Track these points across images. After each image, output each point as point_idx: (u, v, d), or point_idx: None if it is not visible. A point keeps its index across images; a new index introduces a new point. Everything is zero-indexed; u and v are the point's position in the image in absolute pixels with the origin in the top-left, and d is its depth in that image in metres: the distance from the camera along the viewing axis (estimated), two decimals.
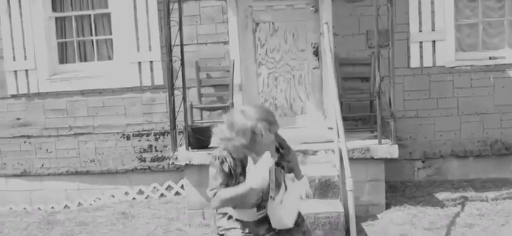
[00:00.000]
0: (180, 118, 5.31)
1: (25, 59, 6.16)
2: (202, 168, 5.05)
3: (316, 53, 6.04)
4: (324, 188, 4.69)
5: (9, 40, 6.14)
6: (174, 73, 5.22)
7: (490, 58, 5.93)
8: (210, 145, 5.28)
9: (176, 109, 5.25)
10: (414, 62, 5.90)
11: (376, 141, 5.04)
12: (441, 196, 5.38)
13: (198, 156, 5.07)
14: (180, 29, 5.25)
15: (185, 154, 5.12)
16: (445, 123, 5.95)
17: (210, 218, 5.16)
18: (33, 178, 6.39)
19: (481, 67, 5.88)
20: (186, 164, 5.12)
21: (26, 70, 6.18)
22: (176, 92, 5.24)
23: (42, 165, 6.34)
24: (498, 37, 6.03)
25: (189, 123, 5.32)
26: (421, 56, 5.88)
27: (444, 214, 4.88)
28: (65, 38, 6.37)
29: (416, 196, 5.45)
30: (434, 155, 6.00)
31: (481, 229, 4.50)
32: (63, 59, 6.39)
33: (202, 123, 5.86)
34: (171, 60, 5.07)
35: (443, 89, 5.92)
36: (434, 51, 5.87)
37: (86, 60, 6.39)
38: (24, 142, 6.33)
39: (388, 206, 5.11)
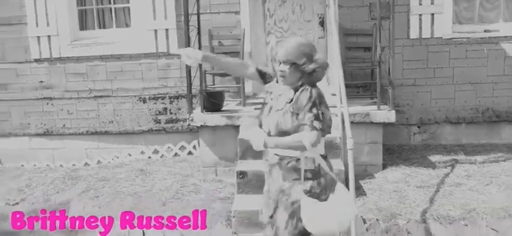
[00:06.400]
0: (194, 83, 5.70)
1: (47, 25, 6.49)
2: (216, 129, 5.50)
3: (322, 24, 6.39)
4: (327, 149, 5.10)
5: (33, 7, 6.45)
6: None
7: (485, 31, 6.25)
8: (222, 108, 5.71)
9: (192, 75, 5.64)
10: (414, 33, 6.23)
11: (376, 106, 5.46)
12: (434, 158, 5.83)
13: (212, 118, 5.49)
14: None
15: (200, 116, 5.55)
16: (441, 91, 6.34)
17: (222, 174, 5.63)
18: (55, 137, 6.83)
19: (476, 40, 6.22)
20: (201, 125, 5.55)
21: (49, 36, 6.53)
22: None
23: (64, 125, 6.78)
24: (494, 11, 6.34)
25: (203, 87, 5.71)
26: (420, 28, 6.21)
27: (435, 174, 5.34)
28: (85, 5, 6.71)
29: (411, 158, 5.89)
30: (429, 121, 6.41)
31: (467, 188, 4.95)
32: (83, 25, 6.74)
33: (214, 87, 6.26)
34: (188, 29, 5.40)
35: (440, 59, 6.28)
36: (432, 23, 6.19)
37: (104, 27, 6.73)
38: (47, 103, 6.75)
39: (384, 166, 5.57)
